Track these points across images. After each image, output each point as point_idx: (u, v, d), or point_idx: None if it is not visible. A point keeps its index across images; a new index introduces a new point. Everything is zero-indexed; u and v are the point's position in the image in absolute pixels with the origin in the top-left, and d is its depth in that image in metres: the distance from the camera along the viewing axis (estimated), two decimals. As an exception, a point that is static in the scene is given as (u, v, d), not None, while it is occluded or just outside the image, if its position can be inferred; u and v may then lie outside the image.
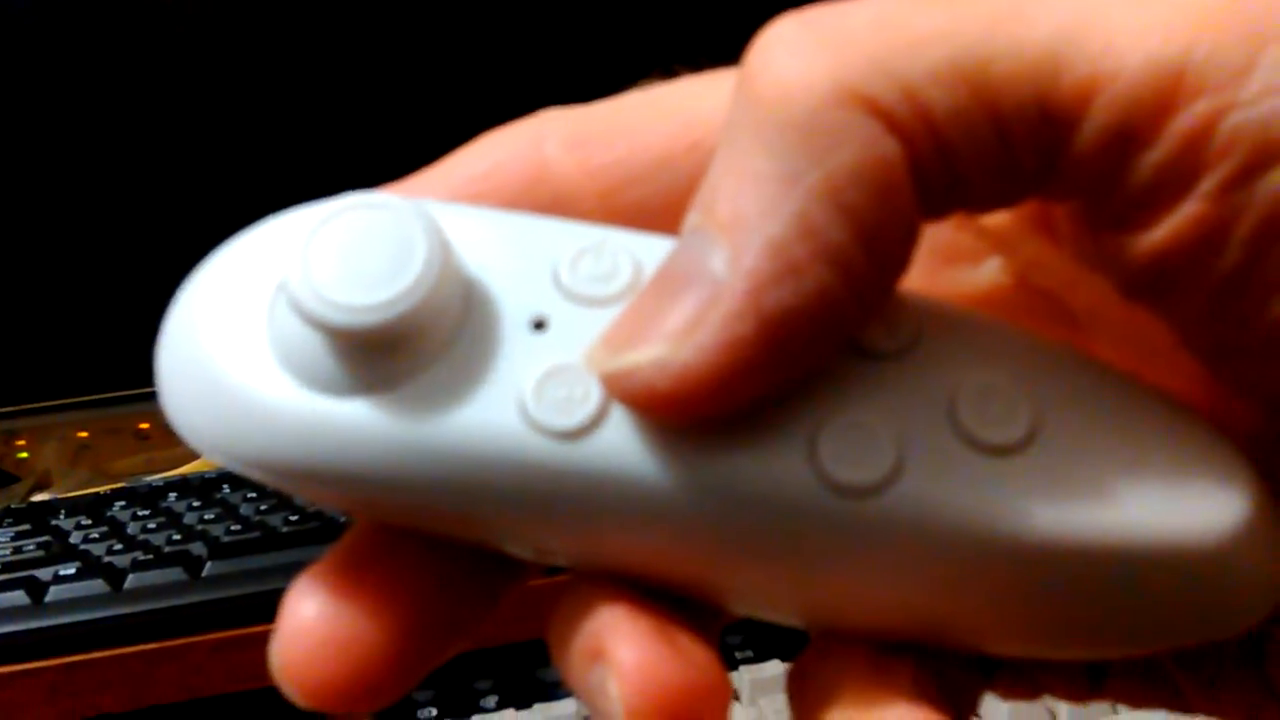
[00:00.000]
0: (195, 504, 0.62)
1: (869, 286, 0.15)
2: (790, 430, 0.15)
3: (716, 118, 0.16)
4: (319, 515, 0.59)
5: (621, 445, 0.15)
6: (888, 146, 0.14)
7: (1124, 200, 0.15)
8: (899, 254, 0.15)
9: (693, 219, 0.15)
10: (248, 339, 0.16)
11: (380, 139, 0.73)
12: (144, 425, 0.81)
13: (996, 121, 0.14)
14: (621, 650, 0.15)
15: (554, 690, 0.57)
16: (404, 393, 0.15)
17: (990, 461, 0.15)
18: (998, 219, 0.18)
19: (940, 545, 0.15)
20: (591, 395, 0.15)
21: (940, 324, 0.16)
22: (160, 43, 0.70)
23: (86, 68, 0.69)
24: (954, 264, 0.19)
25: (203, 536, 0.58)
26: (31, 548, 0.58)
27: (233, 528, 0.58)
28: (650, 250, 0.16)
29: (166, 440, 0.82)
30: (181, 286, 0.17)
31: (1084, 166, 0.15)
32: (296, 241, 0.15)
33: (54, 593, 0.54)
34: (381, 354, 0.15)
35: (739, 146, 0.15)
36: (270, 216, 0.17)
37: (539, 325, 0.16)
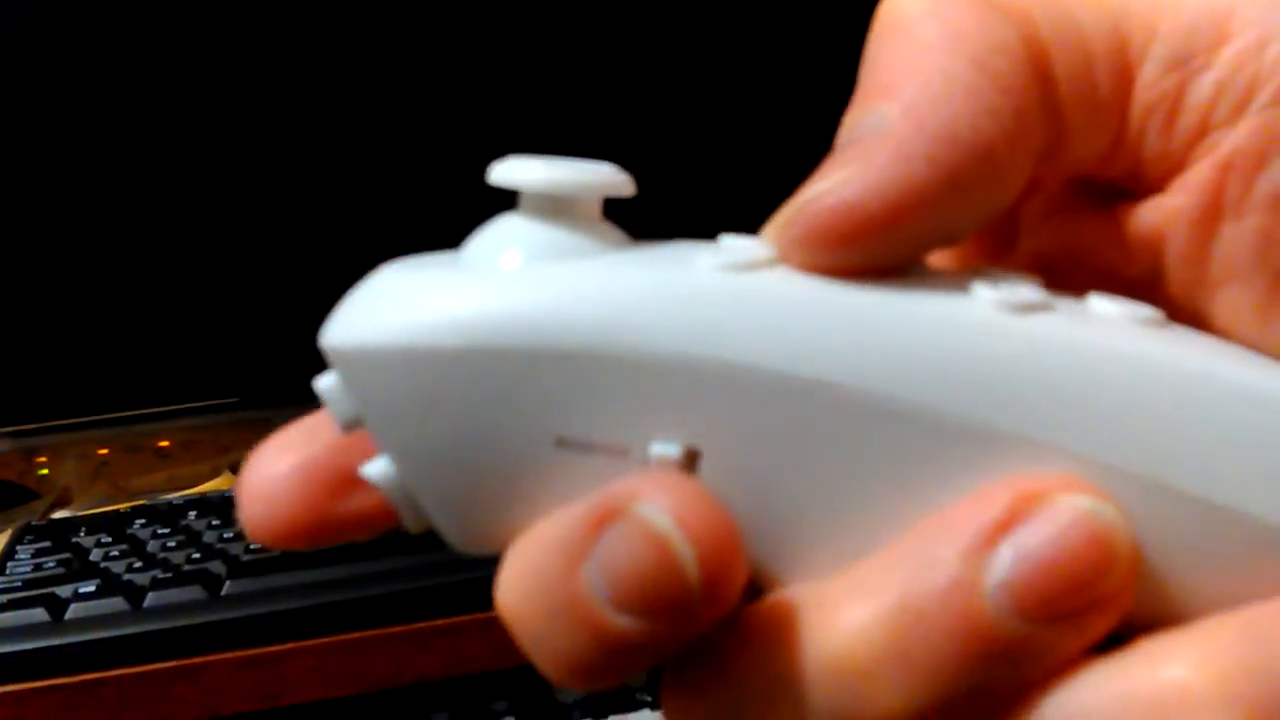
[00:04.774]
0: (215, 522, 0.62)
1: (1011, 133, 0.17)
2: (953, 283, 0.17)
3: None
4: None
5: (793, 277, 0.16)
6: (1009, 33, 0.17)
7: (1189, 121, 0.17)
8: (1027, 114, 0.17)
9: (852, 115, 0.17)
10: (451, 267, 0.17)
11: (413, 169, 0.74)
12: (163, 443, 0.82)
13: (1082, 37, 0.17)
14: (651, 489, 0.16)
15: (570, 712, 0.57)
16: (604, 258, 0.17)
17: (1134, 323, 0.16)
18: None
19: (1100, 360, 0.16)
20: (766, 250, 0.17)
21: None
22: (223, 84, 0.71)
23: (131, 96, 0.70)
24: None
25: (222, 555, 0.58)
26: (52, 565, 0.58)
27: (252, 546, 0.58)
28: None
29: (186, 458, 0.82)
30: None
31: (1153, 89, 0.17)
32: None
33: (74, 610, 0.54)
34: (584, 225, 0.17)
35: (882, 57, 0.17)
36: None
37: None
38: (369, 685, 0.55)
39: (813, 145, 0.18)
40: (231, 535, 0.60)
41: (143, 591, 0.55)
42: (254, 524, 0.19)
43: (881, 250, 0.16)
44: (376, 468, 0.17)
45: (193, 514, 0.64)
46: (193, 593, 0.55)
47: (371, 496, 0.18)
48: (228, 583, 0.55)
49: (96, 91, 0.70)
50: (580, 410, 0.16)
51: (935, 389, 0.16)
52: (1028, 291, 0.16)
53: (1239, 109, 0.17)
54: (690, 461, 0.16)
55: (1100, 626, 0.15)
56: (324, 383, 0.17)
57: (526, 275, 0.17)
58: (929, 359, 0.16)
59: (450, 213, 0.48)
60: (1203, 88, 0.17)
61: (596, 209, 0.18)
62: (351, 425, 0.17)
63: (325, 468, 0.19)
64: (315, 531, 0.19)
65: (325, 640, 0.54)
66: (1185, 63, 0.17)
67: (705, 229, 0.19)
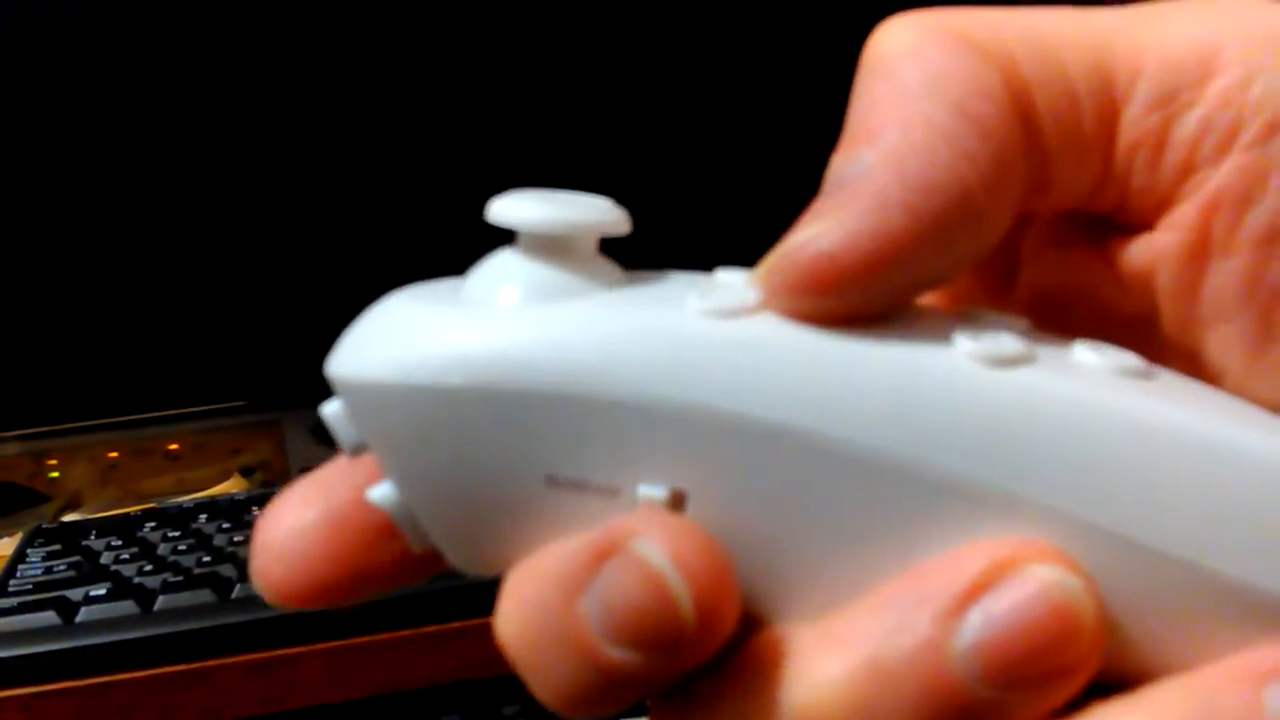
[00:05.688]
0: (225, 526, 0.63)
1: (991, 179, 0.16)
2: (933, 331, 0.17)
3: None
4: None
5: (776, 325, 0.17)
6: (991, 76, 0.17)
7: (1175, 158, 0.17)
8: (1008, 157, 0.17)
9: (837, 159, 0.17)
10: (450, 303, 0.18)
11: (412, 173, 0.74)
12: (173, 446, 0.82)
13: (1065, 75, 0.17)
14: (648, 527, 0.16)
15: (580, 716, 0.57)
16: (597, 297, 0.18)
17: (1114, 375, 0.16)
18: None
19: (1081, 416, 0.16)
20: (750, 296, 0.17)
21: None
22: (232, 95, 0.71)
23: (142, 103, 0.70)
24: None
25: (232, 559, 0.58)
26: (62, 568, 0.59)
27: (262, 550, 0.58)
28: None
29: (195, 461, 0.82)
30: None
31: (1139, 126, 0.17)
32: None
33: (84, 613, 0.54)
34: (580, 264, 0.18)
35: (866, 99, 0.17)
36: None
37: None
38: (379, 689, 0.55)
39: (809, 176, 0.18)
40: (241, 539, 0.60)
41: (153, 595, 0.55)
42: (275, 584, 0.18)
43: (863, 298, 0.16)
44: (381, 491, 0.18)
45: (203, 517, 0.64)
46: (203, 596, 0.55)
47: (403, 546, 0.18)
48: (238, 586, 0.55)
49: (107, 99, 0.70)
50: (569, 451, 0.17)
51: (909, 440, 0.16)
52: (1009, 342, 0.16)
53: (1225, 146, 0.17)
54: (677, 503, 0.17)
55: (1064, 692, 0.15)
56: (329, 409, 0.18)
57: (519, 316, 0.17)
58: (903, 410, 0.16)
59: (455, 220, 0.48)
60: (1188, 125, 0.17)
61: (592, 246, 0.18)
62: (356, 451, 0.18)
63: (352, 519, 0.18)
64: (345, 587, 0.18)
65: (335, 644, 0.54)
66: (1171, 100, 0.17)
67: (704, 256, 0.20)
